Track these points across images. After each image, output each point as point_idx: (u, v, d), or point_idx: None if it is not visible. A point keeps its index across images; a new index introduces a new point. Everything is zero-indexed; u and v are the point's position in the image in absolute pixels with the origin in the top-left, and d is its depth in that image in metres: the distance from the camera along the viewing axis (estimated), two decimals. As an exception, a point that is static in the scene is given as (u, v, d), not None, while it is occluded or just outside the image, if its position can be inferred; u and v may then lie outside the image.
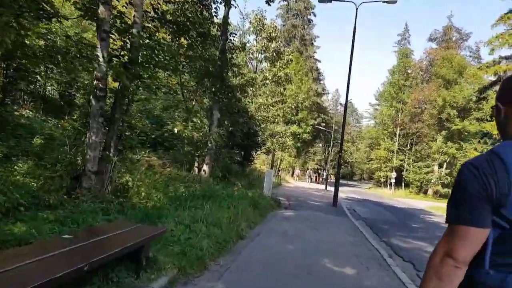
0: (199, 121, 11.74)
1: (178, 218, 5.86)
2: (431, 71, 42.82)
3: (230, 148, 18.60)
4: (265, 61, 20.71)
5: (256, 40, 20.23)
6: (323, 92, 56.64)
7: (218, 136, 12.90)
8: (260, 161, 51.13)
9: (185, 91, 13.03)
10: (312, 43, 51.28)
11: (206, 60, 12.18)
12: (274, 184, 23.42)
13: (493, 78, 24.63)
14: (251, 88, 19.27)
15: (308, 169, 53.17)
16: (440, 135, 39.20)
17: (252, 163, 22.29)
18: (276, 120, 20.58)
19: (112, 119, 6.88)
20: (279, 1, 47.31)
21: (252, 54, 20.17)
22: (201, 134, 11.94)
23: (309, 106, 41.93)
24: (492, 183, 1.13)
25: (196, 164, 13.78)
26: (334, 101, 76.23)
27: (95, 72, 6.32)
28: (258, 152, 20.88)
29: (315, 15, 49.76)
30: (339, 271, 5.23)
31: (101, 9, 6.29)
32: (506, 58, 23.32)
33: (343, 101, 63.97)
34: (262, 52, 20.16)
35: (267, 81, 20.33)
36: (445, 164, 39.45)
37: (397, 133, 46.99)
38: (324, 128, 44.34)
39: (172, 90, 12.83)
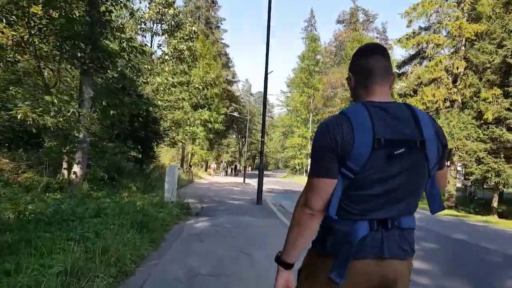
0: (56, 100, 7.67)
1: None
2: (342, 54, 42.66)
3: (121, 141, 14.52)
4: (163, 34, 16.81)
5: (148, 6, 16.22)
6: (233, 80, 53.76)
7: (90, 121, 8.94)
8: (169, 157, 46.66)
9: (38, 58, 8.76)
10: (218, 26, 48.03)
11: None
12: (184, 182, 19.75)
13: (412, 52, 23.86)
14: (145, 66, 15.35)
15: (222, 162, 50.09)
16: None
17: (155, 159, 18.40)
18: (182, 104, 16.88)
19: None
20: (179, -20, 43.05)
21: (145, 23, 16.14)
22: (62, 119, 7.88)
23: (220, 93, 38.67)
24: (338, 139, 1.25)
25: (64, 165, 9.64)
26: (245, 91, 74.18)
27: None
28: (161, 145, 17.01)
29: (219, -4, 46.43)
30: None
31: None
32: (426, 28, 22.51)
33: (254, 90, 61.94)
34: (157, 21, 16.27)
35: (167, 57, 16.53)
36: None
37: (310, 119, 46.34)
38: (238, 115, 41.62)
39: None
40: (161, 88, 15.43)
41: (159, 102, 15.73)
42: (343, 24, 46.70)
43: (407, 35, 22.90)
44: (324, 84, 42.83)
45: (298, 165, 47.90)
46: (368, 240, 1.27)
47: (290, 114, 51.46)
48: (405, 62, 24.97)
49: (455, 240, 8.14)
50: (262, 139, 12.72)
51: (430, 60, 21.97)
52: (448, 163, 21.51)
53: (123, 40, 10.72)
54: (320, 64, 47.75)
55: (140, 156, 15.35)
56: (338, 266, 1.27)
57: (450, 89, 20.72)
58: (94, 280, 3.09)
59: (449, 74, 21.02)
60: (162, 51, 16.86)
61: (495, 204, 18.76)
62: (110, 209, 6.08)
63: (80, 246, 3.73)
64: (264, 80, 12.42)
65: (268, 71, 12.70)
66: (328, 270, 1.29)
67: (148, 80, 15.16)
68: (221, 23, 47.91)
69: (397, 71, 25.88)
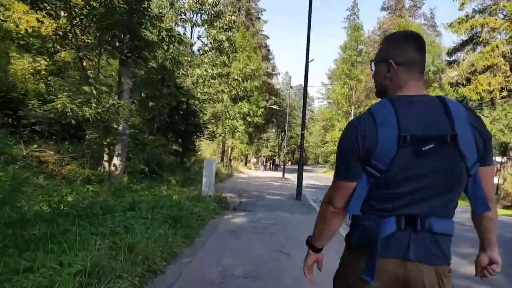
0: (95, 92, 7.63)
1: None
2: (386, 43, 40.75)
3: (162, 134, 14.57)
4: (203, 24, 16.62)
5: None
6: (273, 73, 53.23)
7: (129, 113, 8.89)
8: (210, 151, 47.11)
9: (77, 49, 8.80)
10: (259, 17, 47.52)
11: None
12: (223, 176, 19.66)
13: (464, 37, 22.11)
14: (186, 58, 15.27)
15: (261, 156, 49.94)
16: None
17: (196, 153, 18.40)
18: (221, 97, 16.68)
19: None
20: (220, -28, 42.91)
21: (184, 13, 16.03)
22: (101, 111, 7.84)
23: (259, 86, 38.33)
24: (360, 139, 1.23)
25: (105, 157, 9.69)
26: (285, 84, 73.36)
27: None
28: (200, 139, 16.91)
29: (260, -13, 45.93)
30: None
31: None
32: (480, 11, 20.70)
33: (294, 83, 60.93)
34: (197, 11, 16.10)
35: (206, 48, 16.34)
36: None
37: (352, 112, 44.87)
38: (279, 108, 41.13)
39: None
40: (201, 80, 15.28)
41: (198, 94, 15.63)
42: (388, 11, 44.49)
43: (459, 18, 21.10)
44: (367, 75, 41.15)
45: (339, 160, 46.53)
46: (395, 238, 1.24)
47: (330, 107, 50.08)
48: (456, 49, 23.12)
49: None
50: (302, 132, 12.23)
51: (485, 46, 20.17)
52: (505, 158, 19.85)
53: (162, 30, 10.62)
54: (363, 54, 45.97)
55: (180, 149, 15.34)
56: (369, 264, 1.26)
57: (508, 76, 18.76)
58: (116, 281, 2.83)
59: (506, 61, 19.06)
60: (202, 42, 16.71)
61: None
62: (145, 203, 5.90)
63: (106, 243, 3.49)
64: (305, 69, 11.88)
65: (309, 60, 12.15)
66: (358, 266, 1.29)
67: (188, 72, 15.05)
68: (262, 14, 47.26)
69: (448, 58, 24.13)
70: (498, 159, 19.94)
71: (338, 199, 1.32)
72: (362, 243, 1.30)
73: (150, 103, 9.82)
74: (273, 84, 51.95)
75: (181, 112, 15.05)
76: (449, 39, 52.03)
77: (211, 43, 16.51)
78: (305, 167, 68.51)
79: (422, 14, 43.66)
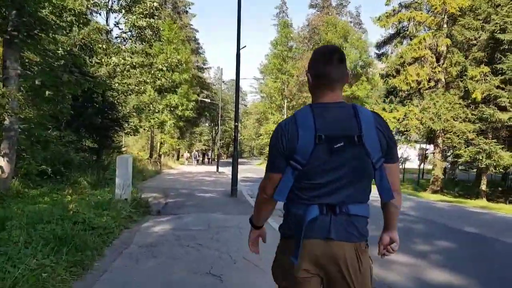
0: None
1: None
2: (316, 38, 41.12)
3: (74, 130, 12.61)
4: (119, 10, 14.66)
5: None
6: (204, 67, 51.49)
7: (19, 103, 7.10)
8: (139, 147, 44.36)
9: None
10: (187, 11, 45.55)
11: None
12: (150, 173, 17.94)
13: (392, 31, 22.57)
14: (100, 46, 13.37)
15: (193, 151, 48.25)
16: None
17: (117, 149, 16.52)
18: (144, 88, 14.91)
19: None
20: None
21: (97, -2, 13.96)
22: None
23: (190, 79, 36.58)
24: (284, 139, 1.46)
25: (-9, 158, 7.72)
26: (217, 79, 71.82)
27: None
28: (120, 133, 15.00)
29: (187, -21, 43.96)
30: None
31: None
32: (406, 6, 21.14)
33: (226, 78, 59.58)
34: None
35: (124, 35, 14.49)
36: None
37: (285, 105, 44.95)
38: (210, 101, 39.78)
39: None
40: (118, 70, 13.44)
41: (116, 85, 13.79)
42: (316, 9, 45.07)
43: (387, 13, 21.55)
44: (298, 69, 41.38)
45: (274, 152, 46.49)
46: (318, 222, 1.45)
47: (264, 100, 49.77)
48: (385, 42, 23.67)
49: (471, 236, 6.84)
50: (236, 124, 11.13)
51: (411, 39, 20.74)
52: (432, 146, 20.58)
53: (64, 9, 8.77)
54: (293, 49, 46.27)
55: (96, 146, 13.39)
56: (295, 248, 1.46)
57: (435, 68, 19.53)
58: None
59: (433, 53, 19.86)
60: (120, 29, 14.77)
61: (483, 187, 17.81)
62: (25, 217, 4.36)
63: None
64: (237, 57, 10.76)
65: (241, 47, 11.05)
66: (290, 251, 1.49)
67: (103, 60, 13.13)
68: (190, 8, 45.40)
69: (377, 51, 24.65)
70: (429, 146, 20.70)
71: (268, 187, 1.55)
72: (292, 229, 1.51)
73: (47, 92, 8.01)
74: (204, 78, 50.31)
75: (96, 104, 13.14)
76: (375, 36, 54.44)
77: (130, 30, 14.68)
78: (240, 160, 67.94)
79: (348, 12, 44.90)
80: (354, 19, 44.47)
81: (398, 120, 19.20)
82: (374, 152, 1.43)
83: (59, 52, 9.52)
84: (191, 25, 46.70)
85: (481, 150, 16.54)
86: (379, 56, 23.82)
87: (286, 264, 1.50)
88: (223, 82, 66.89)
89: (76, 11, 8.81)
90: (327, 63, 1.52)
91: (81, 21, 9.03)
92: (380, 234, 1.63)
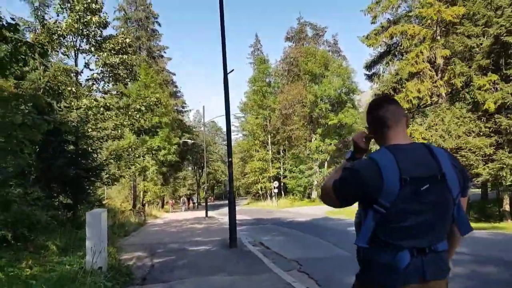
0: None
1: None
2: (295, 70, 40.97)
3: (44, 185, 10.98)
4: (89, 49, 13.47)
5: (67, 15, 12.96)
6: (183, 109, 50.48)
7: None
8: (122, 198, 41.99)
9: None
10: (162, 55, 45.15)
11: None
12: (133, 227, 16.05)
13: (381, 50, 21.92)
14: (68, 89, 12.06)
15: (181, 196, 46.13)
16: (316, 133, 37.80)
17: (97, 203, 14.74)
18: (121, 131, 13.45)
19: None
20: (114, 11, 40.18)
21: (63, 37, 12.77)
22: None
23: (170, 123, 35.33)
24: (369, 182, 1.43)
25: None
26: (197, 122, 70.86)
27: None
28: (96, 184, 13.26)
29: (159, 25, 43.95)
30: None
31: None
32: (395, 22, 20.57)
33: (206, 119, 59.05)
34: (80, 32, 12.95)
35: (95, 75, 13.19)
36: (325, 163, 37.63)
37: (269, 141, 43.98)
38: (192, 142, 38.54)
39: None
40: (91, 113, 12.04)
41: (90, 131, 12.33)
42: (292, 41, 45.35)
43: (375, 30, 20.97)
44: (279, 103, 40.90)
45: (262, 190, 44.89)
46: (410, 266, 1.41)
47: (247, 138, 48.72)
48: (375, 61, 23.00)
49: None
50: (230, 159, 9.74)
51: (403, 54, 19.97)
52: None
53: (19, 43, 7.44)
54: (272, 84, 46.06)
55: (70, 201, 11.63)
56: None
57: (435, 81, 18.41)
58: None
59: (432, 66, 18.82)
60: (91, 69, 13.50)
61: (506, 207, 16.33)
62: None
63: None
64: (224, 80, 9.57)
65: (228, 71, 9.91)
66: None
67: (72, 103, 11.73)
68: (165, 52, 45.12)
69: (367, 72, 23.81)
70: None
71: (334, 199, 1.59)
72: (381, 280, 1.44)
73: (-4, 140, 6.52)
74: (184, 121, 49.19)
75: (68, 154, 11.57)
76: (356, 62, 55.03)
77: (101, 70, 13.43)
78: (225, 202, 65.89)
79: (325, 41, 45.23)
80: (332, 47, 44.71)
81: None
82: (454, 189, 1.47)
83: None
84: (167, 70, 46.14)
85: (504, 166, 14.92)
86: (370, 77, 23.12)
87: None
88: (204, 124, 65.95)
89: (33, 42, 7.48)
90: (382, 107, 1.62)
91: (37, 51, 7.66)
92: None
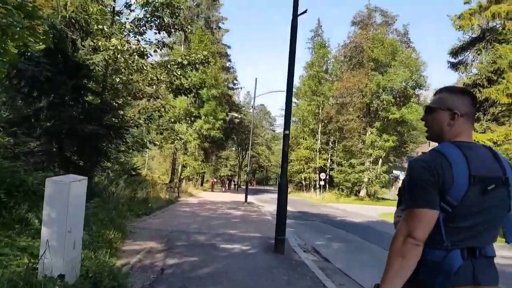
0: None
1: None
2: (358, 57, 37.03)
3: (47, 139, 8.90)
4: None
5: None
6: (234, 87, 48.13)
7: None
8: (163, 170, 40.78)
9: None
10: (219, 26, 42.96)
11: None
12: (161, 203, 13.82)
13: (473, 35, 17.96)
14: (98, 26, 9.85)
15: (223, 176, 44.46)
16: (373, 127, 34.13)
17: (125, 172, 12.67)
18: (157, 87, 11.09)
19: None
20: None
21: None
22: None
23: (219, 96, 33.17)
24: (441, 174, 1.32)
25: None
26: (246, 104, 68.45)
27: None
28: (121, 147, 10.87)
29: (221, -6, 41.78)
30: None
31: None
32: (497, 1, 16.62)
33: (256, 103, 56.34)
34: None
35: (132, 12, 10.80)
36: (380, 160, 33.87)
37: (319, 130, 40.70)
38: (240, 116, 36.46)
39: None
40: (121, 57, 9.72)
41: (117, 79, 10.07)
42: (359, 26, 41.20)
43: (470, 10, 17.12)
44: (336, 90, 37.39)
45: (305, 180, 41.91)
46: (462, 269, 1.32)
47: (296, 124, 45.64)
48: (463, 48, 19.09)
49: None
50: (286, 132, 6.99)
51: (501, 43, 16.14)
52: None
53: None
54: (330, 71, 42.45)
55: (80, 163, 9.37)
56: None
57: None
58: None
59: None
60: (132, 10, 11.16)
61: None
62: None
63: None
64: (292, 23, 6.79)
65: (299, 12, 7.08)
66: None
67: (99, 43, 9.45)
68: (223, 23, 43.10)
69: (452, 59, 19.90)
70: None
71: (420, 229, 1.32)
72: (429, 278, 1.34)
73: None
74: (233, 97, 46.92)
75: (87, 104, 9.34)
76: (425, 56, 49.39)
77: (146, 17, 11.02)
78: (267, 187, 63.20)
79: (395, 30, 40.67)
80: (401, 37, 40.09)
81: (496, 143, 14.43)
82: None
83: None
84: (223, 42, 43.94)
85: None
86: (455, 65, 19.30)
87: None
88: (253, 107, 63.31)
89: None
90: (474, 104, 1.51)
91: None
92: None
